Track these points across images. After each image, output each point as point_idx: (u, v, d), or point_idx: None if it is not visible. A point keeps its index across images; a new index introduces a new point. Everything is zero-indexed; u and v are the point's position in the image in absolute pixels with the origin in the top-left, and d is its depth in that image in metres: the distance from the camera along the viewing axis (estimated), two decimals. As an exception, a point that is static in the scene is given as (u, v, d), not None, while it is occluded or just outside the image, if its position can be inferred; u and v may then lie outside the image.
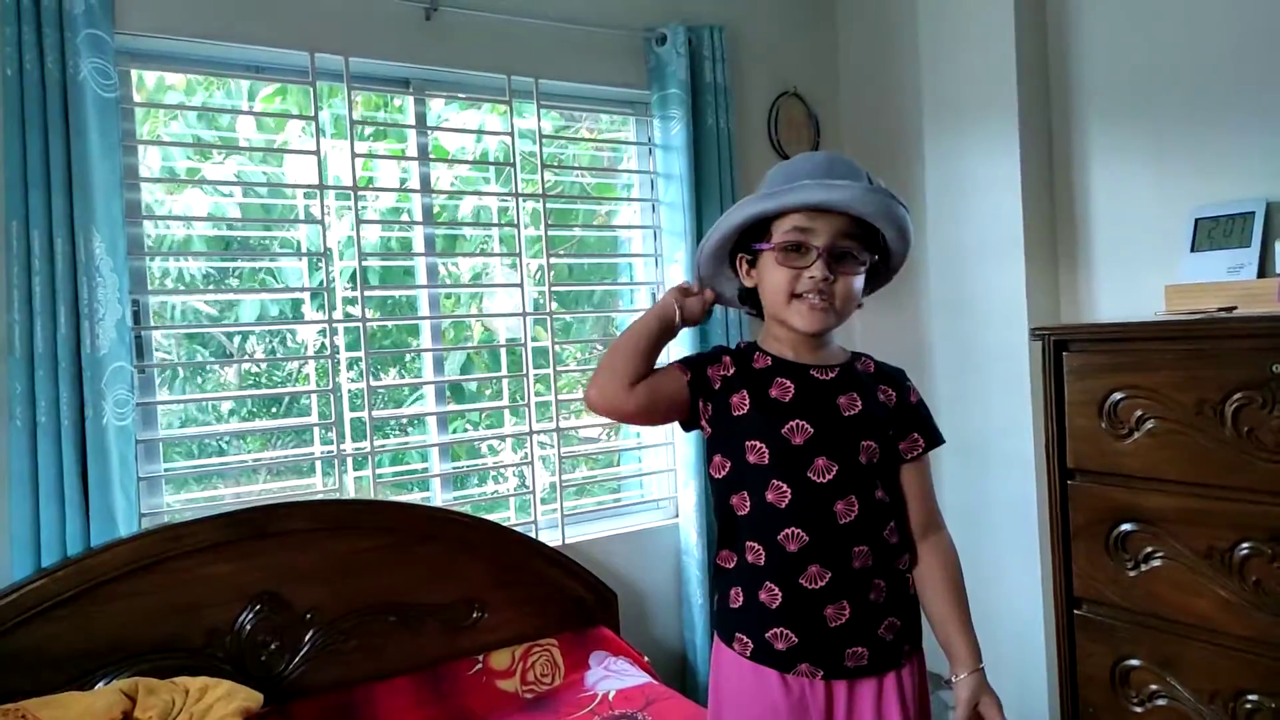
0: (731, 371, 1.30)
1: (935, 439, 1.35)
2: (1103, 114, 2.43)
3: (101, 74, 1.94)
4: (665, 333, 1.31)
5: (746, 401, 1.27)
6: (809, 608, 1.22)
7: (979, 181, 2.55)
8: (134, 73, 2.14)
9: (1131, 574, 1.89)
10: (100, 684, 1.86)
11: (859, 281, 1.26)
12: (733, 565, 1.29)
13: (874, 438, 1.27)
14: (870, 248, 1.26)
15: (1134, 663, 1.91)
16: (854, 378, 1.30)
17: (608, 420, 2.11)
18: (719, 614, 1.31)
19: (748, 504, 1.26)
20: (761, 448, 1.24)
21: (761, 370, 1.29)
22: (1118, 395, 1.89)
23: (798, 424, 1.24)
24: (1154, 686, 1.88)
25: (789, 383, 1.27)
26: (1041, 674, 2.43)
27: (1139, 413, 1.86)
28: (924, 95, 2.71)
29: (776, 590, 1.23)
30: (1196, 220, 2.21)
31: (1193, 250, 2.20)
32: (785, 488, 1.23)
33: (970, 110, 2.56)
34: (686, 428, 1.34)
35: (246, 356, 2.51)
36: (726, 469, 1.28)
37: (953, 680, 1.31)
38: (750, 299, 1.34)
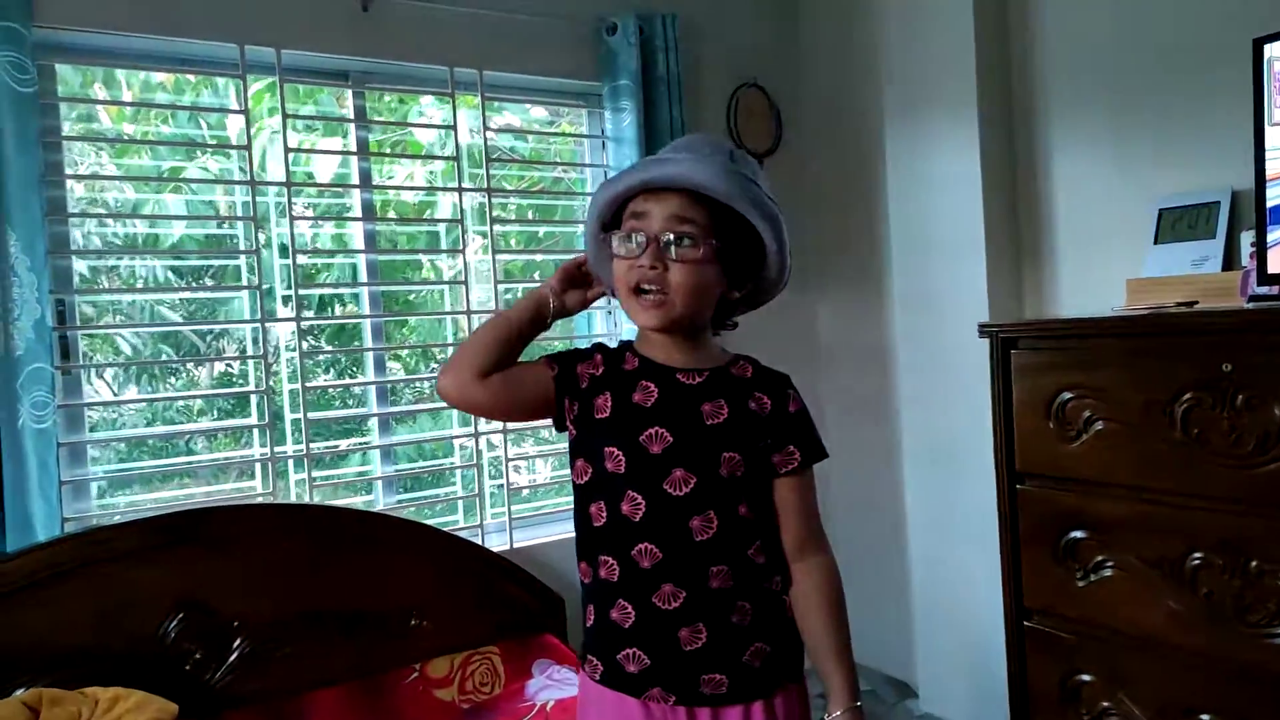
0: (600, 371, 1.20)
1: (816, 452, 1.21)
2: (1064, 104, 2.34)
3: (17, 67, 1.89)
4: (536, 325, 1.21)
5: (609, 404, 1.17)
6: (662, 629, 1.13)
7: (940, 176, 2.46)
8: (58, 68, 2.09)
9: (1081, 584, 1.80)
10: (15, 694, 1.81)
11: (702, 272, 1.13)
12: (588, 580, 1.20)
13: (738, 449, 1.16)
14: (721, 235, 1.13)
15: (1085, 677, 1.81)
16: (725, 383, 1.19)
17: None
18: (585, 632, 1.22)
19: (604, 514, 1.17)
20: (619, 455, 1.15)
21: (629, 372, 1.20)
22: (1066, 395, 1.80)
23: (656, 431, 1.14)
24: (1105, 703, 1.78)
25: (653, 386, 1.17)
26: (1003, 688, 2.34)
27: (1087, 413, 1.77)
28: (885, 87, 2.62)
29: (629, 608, 1.14)
30: (1160, 211, 2.11)
31: (1156, 242, 2.10)
32: (640, 499, 1.14)
33: (931, 103, 2.47)
34: (558, 427, 1.23)
35: (184, 358, 2.45)
36: (587, 475, 1.19)
37: (829, 717, 1.19)
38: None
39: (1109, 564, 1.76)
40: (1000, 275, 2.37)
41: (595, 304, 1.33)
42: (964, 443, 2.43)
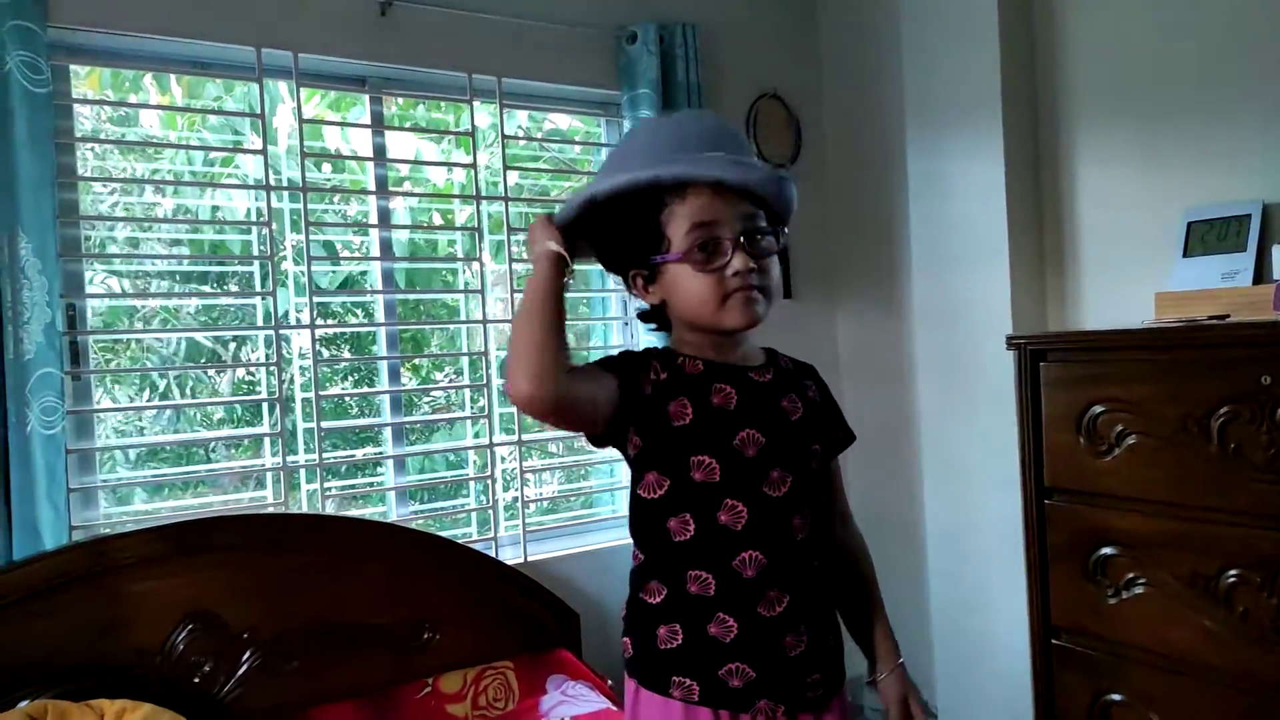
0: (664, 376, 1.11)
1: (849, 433, 1.28)
2: (1091, 113, 2.31)
3: (31, 67, 1.87)
4: (562, 289, 1.08)
5: (689, 410, 1.09)
6: (768, 638, 1.08)
7: (963, 185, 2.43)
8: (73, 68, 2.07)
9: (1112, 602, 1.76)
10: (20, 706, 1.77)
11: (778, 264, 1.14)
12: (661, 599, 1.11)
13: (819, 440, 1.17)
14: (779, 222, 1.15)
15: (1115, 697, 1.77)
16: (786, 377, 1.19)
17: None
18: (641, 658, 1.13)
19: (691, 527, 1.09)
20: (710, 463, 1.08)
21: (696, 376, 1.11)
22: (1097, 409, 1.76)
23: (749, 434, 1.09)
24: (1136, 724, 1.74)
25: (729, 388, 1.11)
26: (1027, 708, 2.29)
27: (1120, 428, 1.73)
28: (907, 97, 2.60)
29: (731, 621, 1.08)
30: (1189, 224, 2.08)
31: (1185, 255, 2.07)
32: (740, 507, 1.08)
33: (954, 112, 2.45)
34: (599, 442, 1.13)
35: (195, 364, 2.42)
36: (664, 488, 1.10)
37: (877, 679, 1.21)
38: (654, 316, 1.20)
39: (1141, 581, 1.72)
40: (1024, 287, 2.34)
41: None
42: (986, 456, 2.39)
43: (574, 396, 1.05)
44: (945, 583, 2.57)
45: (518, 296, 2.51)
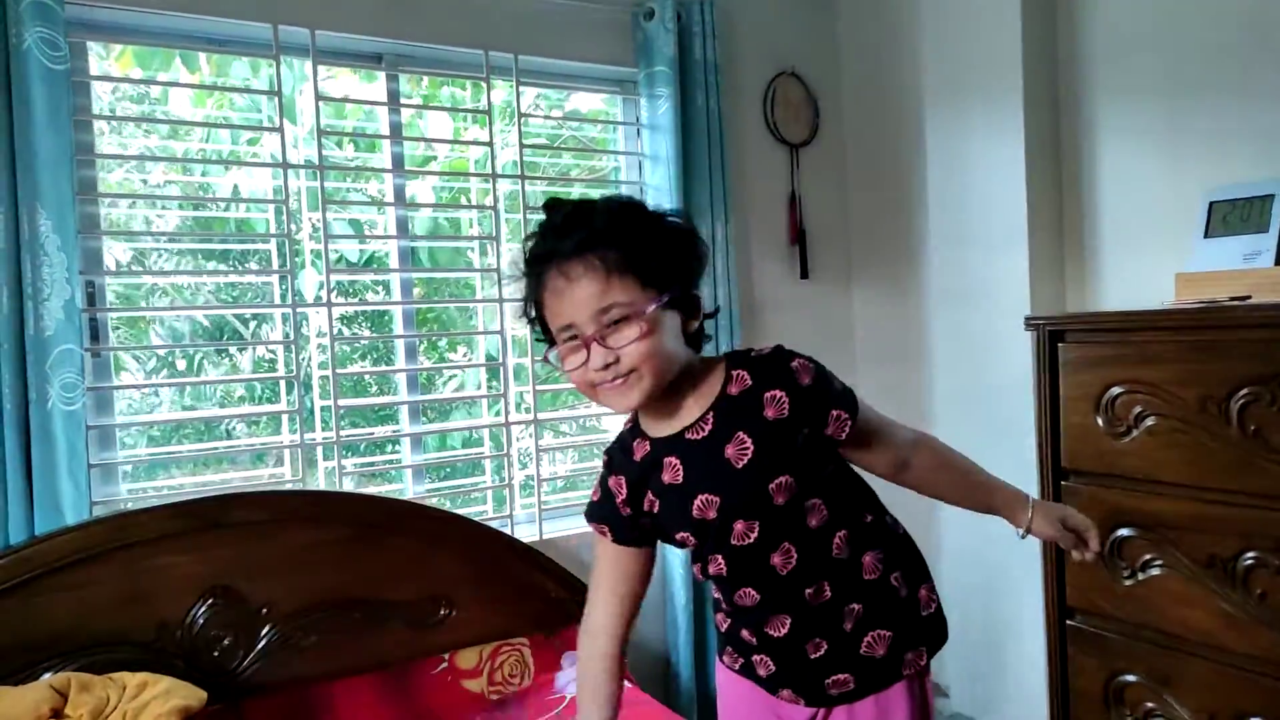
0: (624, 486, 1.17)
1: (852, 402, 1.15)
2: (1112, 91, 2.28)
3: (49, 44, 1.87)
4: None
5: (654, 498, 1.16)
6: (783, 649, 1.19)
7: (982, 164, 2.41)
8: (92, 46, 2.07)
9: (1128, 583, 1.76)
10: (43, 678, 1.80)
11: (658, 336, 1.06)
12: (716, 594, 1.27)
13: (781, 470, 1.10)
14: (659, 282, 1.06)
15: (1129, 678, 1.78)
16: (733, 413, 1.10)
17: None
18: (716, 631, 1.31)
19: (702, 572, 1.21)
20: (684, 535, 1.17)
21: (644, 460, 1.16)
22: (1116, 390, 1.76)
23: (704, 499, 1.12)
24: (1150, 704, 1.74)
25: (674, 460, 1.13)
26: (1041, 689, 2.30)
27: (1138, 409, 1.72)
28: (925, 73, 2.57)
29: (750, 634, 1.22)
30: (1210, 203, 2.06)
31: (1206, 235, 2.05)
32: (719, 559, 1.16)
33: (973, 89, 2.42)
34: (643, 543, 1.25)
35: (213, 342, 2.43)
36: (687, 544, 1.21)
37: (1023, 532, 1.26)
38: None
39: (1158, 563, 1.72)
40: (1043, 267, 2.32)
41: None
42: (1002, 437, 2.37)
43: (638, 600, 1.24)
44: (960, 564, 2.57)
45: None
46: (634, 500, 1.17)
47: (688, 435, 1.12)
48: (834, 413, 1.13)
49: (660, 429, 1.15)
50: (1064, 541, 1.26)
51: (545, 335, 1.14)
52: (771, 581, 1.14)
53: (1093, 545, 1.25)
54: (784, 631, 1.17)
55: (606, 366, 1.05)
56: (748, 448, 1.09)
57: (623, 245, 1.04)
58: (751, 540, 1.12)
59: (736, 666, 1.26)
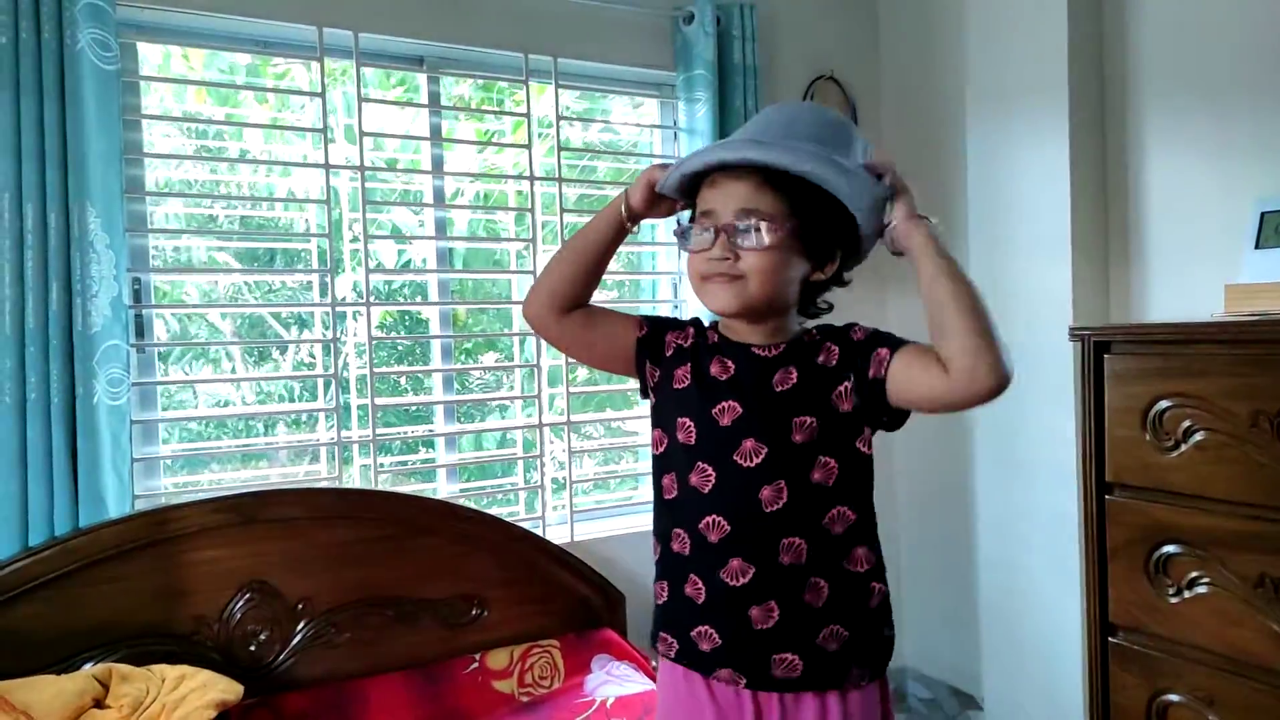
0: (689, 343, 1.21)
1: (897, 340, 1.13)
2: (1162, 97, 2.24)
3: (101, 45, 1.90)
4: (617, 232, 1.20)
5: (688, 375, 1.18)
6: (732, 606, 1.11)
7: (1025, 171, 2.38)
8: (141, 46, 2.10)
9: (1173, 601, 1.72)
10: (85, 668, 1.82)
11: (778, 256, 1.09)
12: (658, 556, 1.20)
13: (810, 412, 1.12)
14: (801, 213, 1.09)
15: (1173, 698, 1.73)
16: (798, 351, 1.17)
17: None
18: (654, 613, 1.21)
19: (675, 487, 1.17)
20: (690, 426, 1.15)
21: (710, 346, 1.20)
22: (1164, 404, 1.72)
23: (728, 404, 1.14)
24: (1195, 725, 1.70)
25: (729, 361, 1.17)
26: (1077, 705, 2.26)
27: (1187, 423, 1.69)
28: (968, 78, 2.54)
29: (700, 584, 1.13)
30: (1263, 214, 2.00)
31: (1257, 246, 2.00)
32: (710, 470, 1.13)
33: (1018, 93, 2.39)
34: (642, 394, 1.25)
35: (249, 339, 2.45)
36: (663, 445, 1.20)
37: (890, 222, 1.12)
38: None
39: (1205, 581, 1.68)
40: (1087, 276, 2.28)
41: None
42: (1042, 448, 2.35)
43: (583, 327, 1.21)
44: (995, 575, 2.54)
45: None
46: (681, 356, 1.19)
47: (754, 349, 1.16)
48: (876, 353, 1.11)
49: (736, 335, 1.19)
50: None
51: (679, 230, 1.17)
52: (751, 516, 1.10)
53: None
54: (742, 581, 1.10)
55: (724, 258, 1.09)
56: (792, 378, 1.14)
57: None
58: (754, 464, 1.11)
59: (673, 653, 1.15)
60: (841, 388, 1.13)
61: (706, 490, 1.13)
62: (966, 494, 2.67)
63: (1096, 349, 1.82)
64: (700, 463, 1.13)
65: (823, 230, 1.12)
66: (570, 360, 2.44)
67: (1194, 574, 1.69)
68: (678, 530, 1.16)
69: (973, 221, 2.53)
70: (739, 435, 1.12)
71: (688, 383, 1.17)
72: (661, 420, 1.20)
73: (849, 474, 1.14)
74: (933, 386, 1.06)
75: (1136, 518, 1.77)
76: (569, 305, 1.20)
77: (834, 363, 1.14)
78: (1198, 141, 2.16)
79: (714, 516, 1.12)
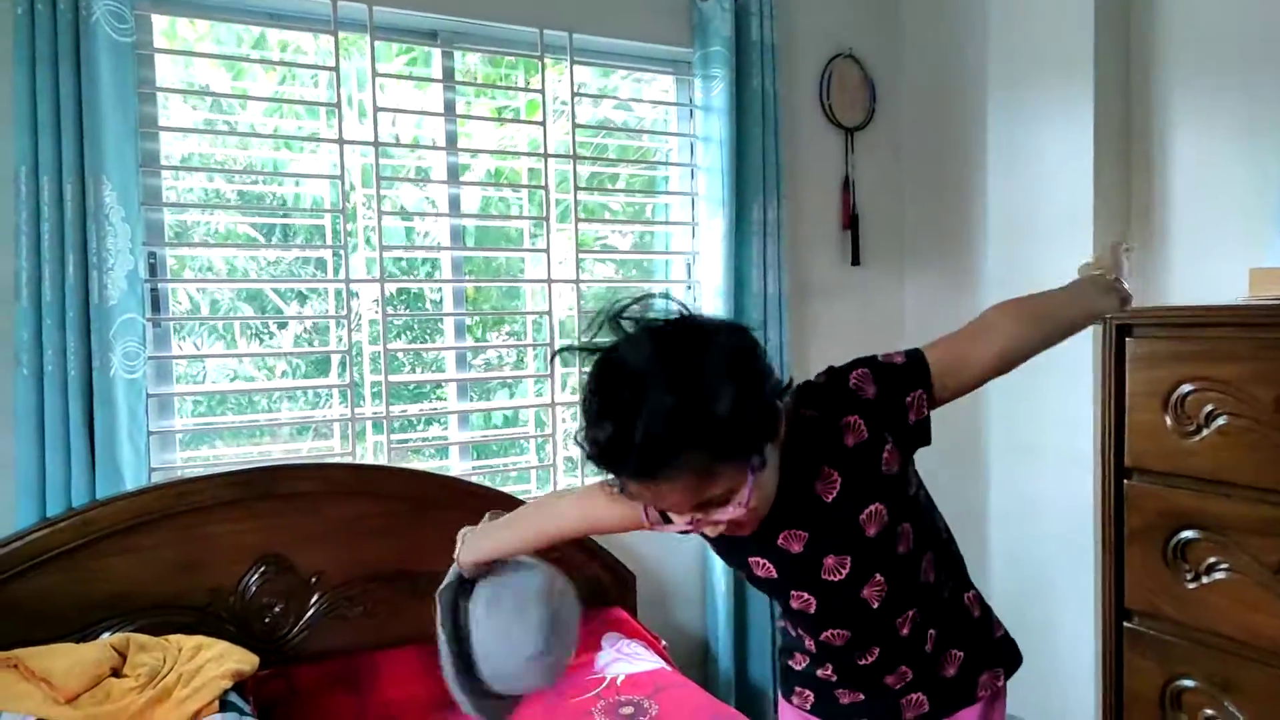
0: None
1: (923, 372, 1.06)
2: (1188, 75, 2.19)
3: (116, 17, 1.89)
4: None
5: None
6: (868, 677, 1.17)
7: (1047, 152, 2.34)
8: (154, 18, 2.09)
9: (1191, 586, 1.71)
10: (103, 638, 1.84)
11: (760, 492, 0.96)
12: (794, 634, 1.23)
13: (871, 499, 1.05)
14: (750, 450, 0.92)
15: (1188, 683, 1.73)
16: (813, 449, 1.04)
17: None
18: (780, 671, 1.29)
19: (780, 606, 1.18)
20: (764, 563, 1.10)
21: None
22: (1186, 388, 1.70)
23: (790, 534, 1.07)
24: (1209, 711, 1.69)
25: None
26: (1090, 689, 2.25)
27: (1210, 408, 1.66)
28: (990, 55, 2.50)
29: (831, 670, 1.19)
30: (1290, 196, 1.97)
31: (1284, 229, 1.96)
32: (806, 595, 1.11)
33: (1041, 72, 2.35)
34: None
35: (262, 315, 2.46)
36: (745, 575, 1.15)
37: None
38: None
39: (1224, 566, 1.66)
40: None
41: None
42: (1056, 434, 2.33)
43: None
44: (1009, 563, 2.53)
45: (585, 257, 2.51)
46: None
47: None
48: (908, 399, 1.05)
49: None
50: (1120, 265, 1.25)
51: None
52: (862, 616, 1.11)
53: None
54: (872, 659, 1.15)
55: (717, 529, 0.98)
56: (834, 481, 1.04)
57: (707, 445, 0.88)
58: (843, 576, 1.07)
59: (808, 706, 1.23)
60: (885, 454, 1.05)
61: (812, 612, 1.12)
62: (979, 478, 2.65)
63: (1119, 332, 1.80)
64: (793, 591, 1.11)
65: (759, 436, 0.93)
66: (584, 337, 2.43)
67: (1213, 559, 1.68)
68: (799, 632, 1.20)
69: (992, 200, 2.50)
70: (816, 557, 1.07)
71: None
72: (727, 560, 1.19)
73: (918, 524, 1.11)
74: (981, 380, 1.10)
75: (1155, 503, 1.75)
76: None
77: (866, 435, 1.04)
78: (1225, 120, 2.12)
79: (830, 631, 1.14)
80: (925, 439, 1.08)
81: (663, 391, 0.86)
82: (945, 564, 1.18)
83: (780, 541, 1.07)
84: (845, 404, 1.05)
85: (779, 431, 0.96)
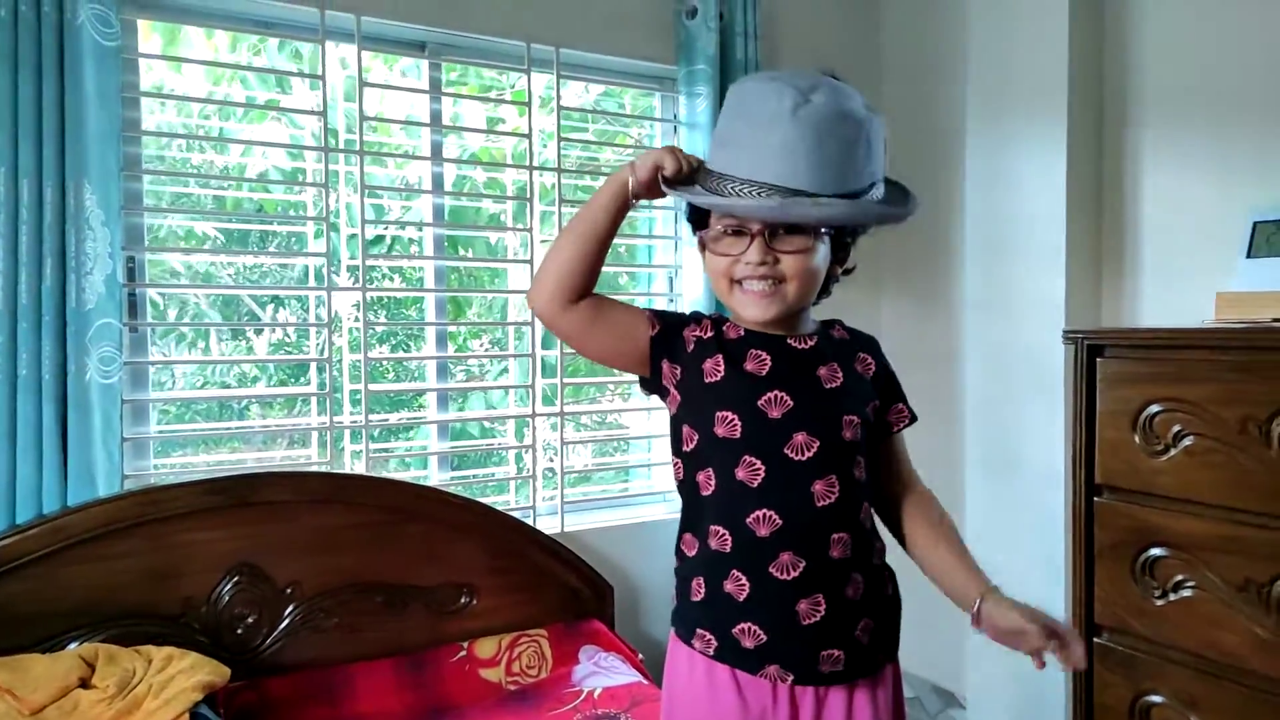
0: (709, 335, 1.15)
1: (912, 412, 1.26)
2: (1157, 107, 2.26)
3: (101, 21, 1.88)
4: (619, 209, 1.12)
5: (721, 368, 1.13)
6: (780, 601, 1.09)
7: (1022, 177, 2.39)
8: (141, 23, 2.08)
9: (1159, 603, 1.74)
10: (71, 648, 1.81)
11: (817, 257, 1.10)
12: (694, 552, 1.15)
13: (857, 411, 1.15)
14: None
15: (1156, 699, 1.76)
16: (832, 346, 1.18)
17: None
18: (679, 608, 1.18)
19: (713, 482, 1.12)
20: (733, 419, 1.10)
21: (735, 340, 1.15)
22: (1155, 408, 1.74)
23: (776, 395, 1.11)
24: (1177, 726, 1.72)
25: (765, 354, 1.13)
26: (1059, 704, 2.28)
27: (1177, 428, 1.71)
28: (969, 83, 2.55)
29: (744, 580, 1.09)
30: (1255, 224, 2.03)
31: (1249, 256, 2.02)
32: (759, 464, 1.09)
33: (1017, 101, 2.40)
34: (646, 389, 1.20)
35: (241, 321, 2.44)
36: (694, 442, 1.14)
37: (976, 613, 1.12)
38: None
39: (1190, 584, 1.70)
40: (1080, 282, 2.30)
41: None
42: (1031, 451, 2.37)
43: (592, 321, 1.14)
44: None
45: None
46: (705, 349, 1.14)
47: (789, 340, 1.15)
48: (899, 406, 1.23)
49: (761, 328, 1.15)
50: (1026, 640, 1.08)
51: (691, 218, 1.17)
52: (804, 510, 1.09)
53: (1076, 651, 1.08)
54: (792, 575, 1.08)
55: (763, 263, 1.07)
56: (839, 375, 1.15)
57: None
58: (807, 457, 1.09)
59: (711, 650, 1.11)
60: (870, 406, 1.18)
61: (755, 484, 1.09)
62: (954, 494, 2.69)
63: (1090, 352, 1.84)
64: (747, 456, 1.10)
65: (849, 230, 1.15)
66: (567, 351, 2.44)
67: (1179, 577, 1.71)
68: (717, 526, 1.11)
69: (969, 224, 2.55)
70: (790, 428, 1.10)
71: (721, 375, 1.12)
72: (692, 416, 1.15)
73: (873, 471, 1.20)
74: (882, 479, 1.23)
75: (1124, 520, 1.79)
76: (577, 293, 1.12)
77: (870, 375, 1.20)
78: (1193, 152, 2.19)
79: (764, 511, 1.09)
80: (883, 436, 1.22)
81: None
82: (875, 530, 1.19)
83: (761, 402, 1.11)
84: (870, 346, 1.23)
85: (846, 257, 1.17)
